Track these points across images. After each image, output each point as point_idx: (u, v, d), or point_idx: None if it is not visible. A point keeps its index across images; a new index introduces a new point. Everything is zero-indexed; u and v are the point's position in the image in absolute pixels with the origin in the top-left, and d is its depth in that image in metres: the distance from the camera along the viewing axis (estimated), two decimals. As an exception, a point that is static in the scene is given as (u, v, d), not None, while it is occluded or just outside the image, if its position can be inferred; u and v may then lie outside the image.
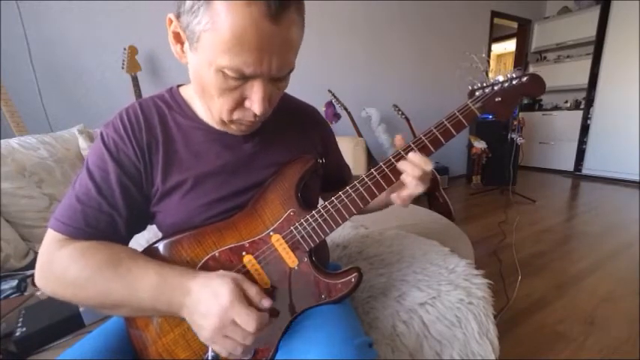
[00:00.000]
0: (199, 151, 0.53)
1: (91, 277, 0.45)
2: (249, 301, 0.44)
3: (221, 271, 0.47)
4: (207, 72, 0.43)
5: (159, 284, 0.45)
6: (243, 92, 0.45)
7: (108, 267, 0.45)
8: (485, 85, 0.56)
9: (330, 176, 0.68)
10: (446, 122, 0.53)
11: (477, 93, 0.56)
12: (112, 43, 1.87)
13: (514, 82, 0.52)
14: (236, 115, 0.48)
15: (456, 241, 1.07)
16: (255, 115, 0.47)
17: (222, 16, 0.38)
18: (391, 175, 0.52)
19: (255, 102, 0.45)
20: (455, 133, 0.53)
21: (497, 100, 0.53)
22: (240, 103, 0.46)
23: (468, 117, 0.53)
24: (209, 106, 0.49)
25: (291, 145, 0.59)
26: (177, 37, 0.46)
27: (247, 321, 0.41)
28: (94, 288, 0.45)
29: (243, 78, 0.43)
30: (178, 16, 0.43)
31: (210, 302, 0.42)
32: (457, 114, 0.53)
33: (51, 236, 0.47)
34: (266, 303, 0.45)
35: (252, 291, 0.45)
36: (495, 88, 0.54)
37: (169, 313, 0.46)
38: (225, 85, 0.44)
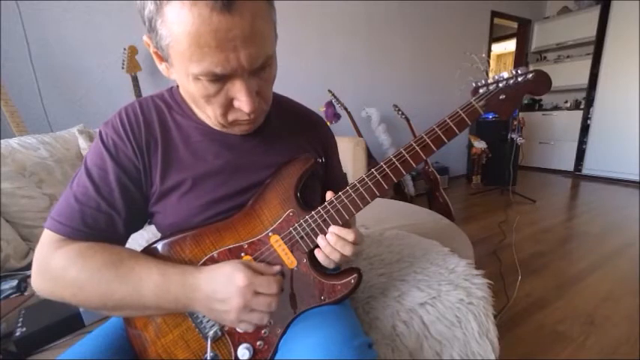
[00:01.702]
0: (198, 150, 0.52)
1: (91, 278, 0.44)
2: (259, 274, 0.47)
3: (227, 261, 0.49)
4: (187, 83, 0.43)
5: (163, 282, 0.45)
6: (228, 94, 0.44)
7: (109, 267, 0.45)
8: (489, 82, 0.54)
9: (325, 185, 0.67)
10: (448, 121, 0.51)
11: (481, 90, 0.54)
12: (112, 43, 1.87)
13: (519, 79, 0.50)
14: (231, 117, 0.47)
15: (456, 241, 1.06)
16: (248, 114, 0.46)
17: (175, 26, 0.37)
18: (392, 175, 0.52)
19: (242, 101, 0.44)
20: (458, 131, 0.51)
21: (501, 97, 0.51)
22: (229, 105, 0.46)
23: (471, 115, 0.51)
24: (205, 113, 0.49)
25: (292, 147, 0.59)
26: (159, 56, 0.45)
27: (269, 285, 0.45)
28: (95, 289, 0.44)
29: (220, 79, 0.42)
30: (150, 37, 0.42)
31: (227, 287, 0.44)
32: (460, 112, 0.51)
33: (47, 236, 0.47)
34: (275, 268, 0.50)
35: (260, 266, 0.49)
36: (500, 85, 0.52)
37: (175, 310, 0.47)
38: (207, 92, 0.43)
